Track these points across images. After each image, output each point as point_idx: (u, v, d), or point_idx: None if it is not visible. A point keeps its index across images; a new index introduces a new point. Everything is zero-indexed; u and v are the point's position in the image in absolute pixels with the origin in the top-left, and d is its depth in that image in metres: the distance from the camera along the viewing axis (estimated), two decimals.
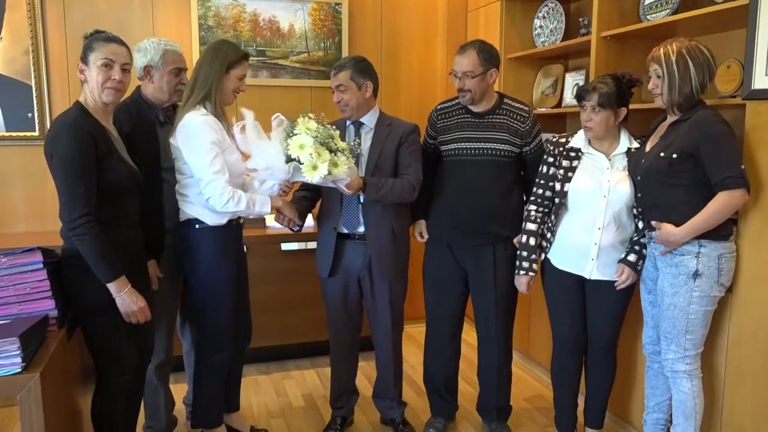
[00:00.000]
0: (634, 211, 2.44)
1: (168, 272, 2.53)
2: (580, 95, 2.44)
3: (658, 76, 2.21)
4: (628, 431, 2.86)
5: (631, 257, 2.42)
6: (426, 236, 2.83)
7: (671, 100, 2.20)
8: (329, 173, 2.31)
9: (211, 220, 2.42)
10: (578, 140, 2.53)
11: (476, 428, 2.98)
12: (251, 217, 2.49)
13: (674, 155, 2.18)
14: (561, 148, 2.55)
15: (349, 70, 2.60)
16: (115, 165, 2.06)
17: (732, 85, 2.51)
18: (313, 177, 2.31)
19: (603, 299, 2.53)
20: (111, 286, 1.99)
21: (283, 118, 2.45)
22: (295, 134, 2.34)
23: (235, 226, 2.51)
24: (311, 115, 2.39)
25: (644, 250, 2.41)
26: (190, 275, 2.51)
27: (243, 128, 2.38)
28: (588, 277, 2.51)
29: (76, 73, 2.13)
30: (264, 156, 2.35)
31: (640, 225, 2.43)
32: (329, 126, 2.43)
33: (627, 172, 2.42)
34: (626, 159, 2.44)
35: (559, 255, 2.58)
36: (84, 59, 2.08)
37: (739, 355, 2.29)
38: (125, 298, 2.02)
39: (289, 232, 2.74)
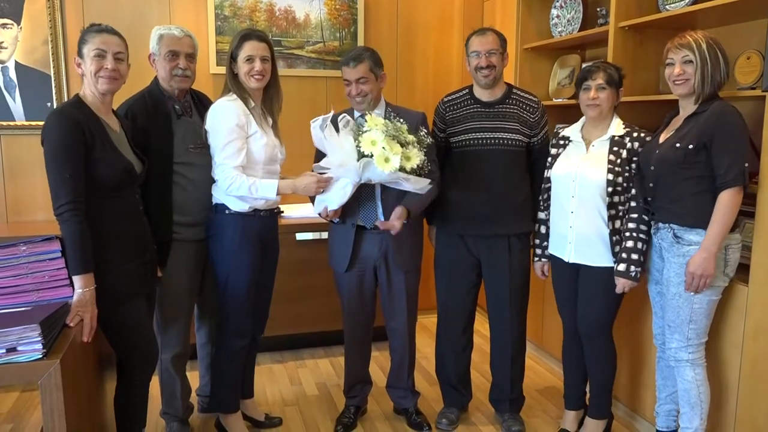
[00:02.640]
0: (613, 211, 2.44)
1: (187, 265, 2.55)
2: (585, 76, 2.48)
3: (689, 61, 2.20)
4: (640, 423, 2.85)
5: (621, 267, 2.42)
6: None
7: (702, 88, 2.19)
8: (401, 168, 2.31)
9: (234, 205, 2.46)
10: (571, 129, 2.61)
11: (489, 419, 2.99)
12: (259, 201, 2.48)
13: (690, 146, 2.18)
14: (555, 139, 2.66)
15: (368, 62, 2.57)
16: (107, 157, 2.03)
17: (752, 76, 2.48)
18: (385, 169, 2.31)
19: (591, 286, 2.55)
20: (76, 280, 1.96)
21: (349, 118, 2.48)
22: (365, 131, 2.35)
23: (263, 216, 2.52)
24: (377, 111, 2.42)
25: (633, 255, 2.39)
26: (214, 259, 2.54)
27: (326, 127, 2.40)
28: (567, 261, 2.57)
29: None
30: (339, 154, 2.38)
31: (617, 224, 2.44)
32: (398, 119, 2.43)
33: (605, 160, 2.43)
34: (608, 146, 2.46)
35: (551, 240, 2.66)
36: (79, 53, 2.10)
37: (755, 348, 2.28)
38: (86, 295, 1.96)
39: (304, 221, 2.74)
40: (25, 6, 3.53)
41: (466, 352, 2.92)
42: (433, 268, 2.90)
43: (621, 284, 2.44)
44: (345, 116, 2.50)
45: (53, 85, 3.61)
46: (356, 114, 2.63)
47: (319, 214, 2.60)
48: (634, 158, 2.41)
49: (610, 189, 2.41)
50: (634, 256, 2.39)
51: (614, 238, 2.45)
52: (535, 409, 3.08)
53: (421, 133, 2.45)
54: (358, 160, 2.35)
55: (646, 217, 2.39)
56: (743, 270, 2.32)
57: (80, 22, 3.62)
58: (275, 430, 2.88)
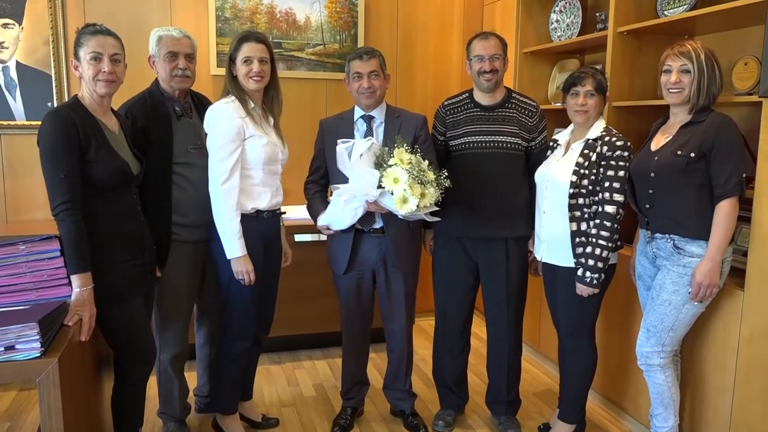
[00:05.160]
0: (577, 212, 2.46)
1: (186, 266, 2.56)
2: (574, 81, 2.48)
3: (686, 71, 2.22)
4: (634, 425, 2.86)
5: (579, 272, 2.44)
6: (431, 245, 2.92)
7: (697, 99, 2.22)
8: (417, 208, 2.32)
9: None
10: (561, 134, 2.64)
11: (485, 421, 2.99)
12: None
13: (692, 154, 2.20)
14: (552, 142, 2.69)
15: (378, 59, 2.62)
16: (102, 158, 2.04)
17: (749, 82, 2.49)
18: (401, 210, 2.31)
19: (562, 286, 2.57)
20: (74, 278, 1.97)
21: (374, 141, 2.49)
22: (390, 165, 2.34)
23: (266, 217, 2.54)
24: (404, 142, 2.40)
25: (590, 261, 2.40)
26: (217, 260, 2.54)
27: (357, 154, 2.39)
28: (540, 259, 2.63)
29: None
30: (361, 184, 2.38)
31: (582, 226, 2.45)
32: (419, 154, 2.41)
33: (573, 163, 2.45)
34: (581, 148, 2.47)
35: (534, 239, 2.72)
36: (76, 55, 2.10)
37: (750, 353, 2.29)
38: (84, 294, 1.97)
39: (302, 223, 2.74)
40: (26, 6, 3.55)
41: (463, 354, 2.92)
42: (431, 270, 2.91)
43: (580, 289, 2.45)
44: (371, 138, 2.51)
45: (54, 85, 3.62)
46: (376, 138, 2.62)
47: (319, 227, 2.64)
48: (603, 162, 2.41)
49: (572, 190, 2.43)
50: (591, 262, 2.40)
51: (576, 240, 2.46)
52: (531, 411, 3.08)
53: (442, 176, 2.42)
54: (377, 188, 2.36)
55: (608, 223, 2.38)
56: (739, 275, 2.33)
57: (81, 23, 3.61)
58: (272, 431, 2.89)
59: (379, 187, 2.34)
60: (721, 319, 2.38)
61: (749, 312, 2.28)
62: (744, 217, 2.33)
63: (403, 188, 2.29)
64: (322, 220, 2.61)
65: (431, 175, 2.36)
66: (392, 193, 2.32)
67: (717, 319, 2.40)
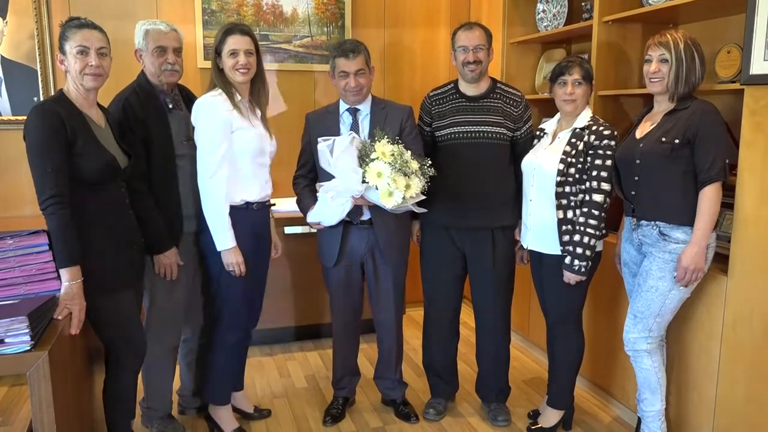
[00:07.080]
0: (564, 200, 2.48)
1: (184, 258, 2.56)
2: (561, 71, 2.50)
3: (664, 61, 2.25)
4: (622, 410, 2.90)
5: (567, 260, 2.47)
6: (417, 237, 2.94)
7: (676, 87, 2.25)
8: (404, 200, 2.32)
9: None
10: (548, 123, 2.65)
11: (475, 409, 3.02)
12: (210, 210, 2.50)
13: (676, 140, 2.22)
14: (538, 131, 2.71)
15: (363, 54, 2.60)
16: (90, 151, 2.03)
17: (732, 70, 2.52)
18: (387, 204, 2.32)
19: (548, 274, 2.60)
20: (63, 272, 1.97)
21: (355, 135, 2.48)
22: (372, 159, 2.34)
23: (255, 209, 2.54)
24: (385, 134, 2.40)
25: (578, 249, 2.43)
26: (206, 252, 2.54)
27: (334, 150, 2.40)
28: (526, 247, 2.65)
29: None
30: (345, 180, 2.38)
31: (569, 214, 2.47)
32: (400, 144, 2.41)
33: (561, 151, 2.47)
34: (569, 137, 2.49)
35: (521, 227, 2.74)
36: (61, 49, 2.09)
37: (733, 338, 2.32)
38: (74, 288, 1.97)
39: (293, 215, 2.75)
40: (10, 0, 3.52)
41: (452, 343, 2.95)
42: (419, 260, 2.92)
43: (567, 277, 2.48)
44: (352, 133, 2.51)
45: (39, 79, 3.60)
46: (362, 133, 2.62)
47: (309, 223, 2.67)
48: (590, 151, 2.43)
49: (559, 178, 2.45)
50: (579, 250, 2.43)
51: (563, 228, 2.48)
52: (520, 398, 3.12)
53: (426, 165, 2.43)
54: (362, 182, 2.37)
55: (596, 212, 2.41)
56: (723, 260, 2.37)
57: (66, 16, 3.57)
58: (264, 422, 2.91)
59: (364, 182, 2.35)
60: (706, 305, 2.42)
61: (733, 297, 2.31)
62: (727, 204, 2.37)
63: (387, 182, 2.30)
64: (312, 217, 2.63)
65: (414, 165, 2.37)
66: (377, 188, 2.33)
67: (701, 305, 2.43)
